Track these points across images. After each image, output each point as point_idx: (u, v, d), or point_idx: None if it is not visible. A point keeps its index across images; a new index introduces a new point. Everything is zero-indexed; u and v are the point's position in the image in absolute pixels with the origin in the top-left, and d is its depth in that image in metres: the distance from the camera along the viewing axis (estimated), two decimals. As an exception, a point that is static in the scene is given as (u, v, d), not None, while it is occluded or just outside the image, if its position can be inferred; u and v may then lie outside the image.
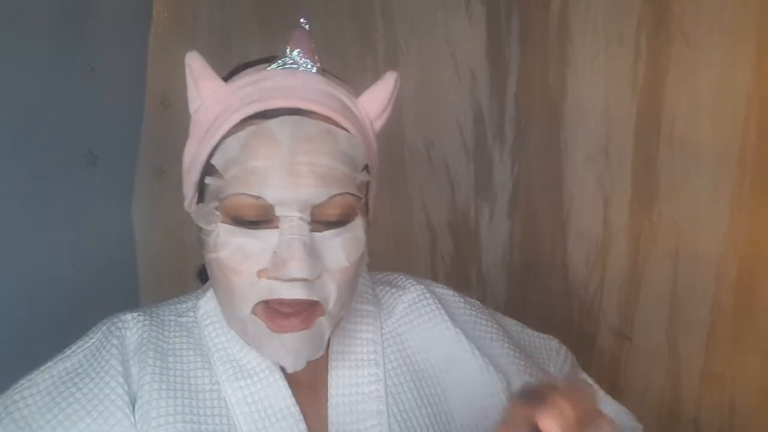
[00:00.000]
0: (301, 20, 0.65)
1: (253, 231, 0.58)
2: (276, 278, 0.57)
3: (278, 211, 0.57)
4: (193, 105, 0.64)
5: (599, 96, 1.19)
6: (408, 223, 1.50)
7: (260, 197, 0.57)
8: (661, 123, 1.06)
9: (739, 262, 0.97)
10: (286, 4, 1.39)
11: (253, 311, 0.59)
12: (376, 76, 0.67)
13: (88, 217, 1.16)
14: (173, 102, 1.30)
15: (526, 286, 1.46)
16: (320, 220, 0.59)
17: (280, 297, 0.58)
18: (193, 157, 0.63)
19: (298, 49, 0.64)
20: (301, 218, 0.57)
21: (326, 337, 0.61)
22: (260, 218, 0.58)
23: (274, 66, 0.64)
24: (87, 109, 1.16)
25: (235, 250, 0.58)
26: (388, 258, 1.50)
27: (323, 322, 0.60)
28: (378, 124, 0.67)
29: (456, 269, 1.51)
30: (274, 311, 0.59)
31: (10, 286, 1.01)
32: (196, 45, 1.34)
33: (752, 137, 0.93)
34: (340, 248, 0.59)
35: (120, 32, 1.24)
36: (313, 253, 0.57)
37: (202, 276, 0.77)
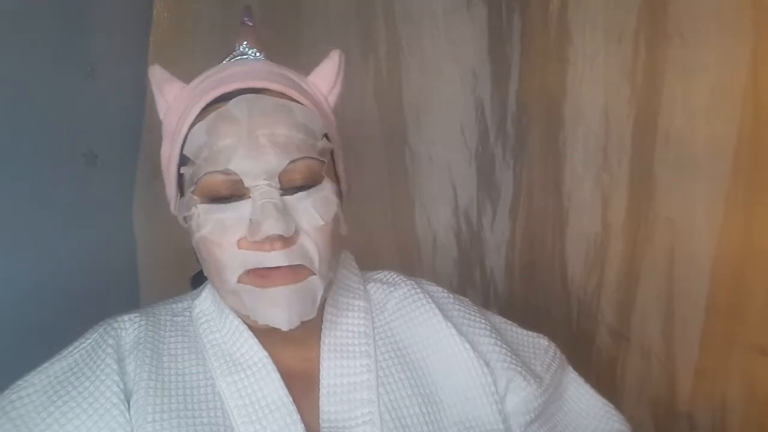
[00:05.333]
0: (245, 18, 0.72)
1: (228, 205, 0.62)
2: (255, 243, 0.61)
3: (247, 182, 0.61)
4: (162, 110, 0.71)
5: (598, 96, 1.19)
6: (410, 223, 1.50)
7: (228, 171, 0.61)
8: (658, 123, 1.06)
9: (733, 261, 0.97)
10: (286, 4, 1.39)
11: (240, 280, 0.63)
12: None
13: (88, 217, 1.17)
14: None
15: (527, 287, 1.45)
16: (289, 186, 0.63)
17: (263, 266, 0.61)
18: (169, 156, 0.68)
19: (246, 42, 0.71)
20: (269, 185, 0.61)
21: (318, 296, 0.64)
22: (233, 193, 0.62)
23: (226, 60, 0.70)
24: (87, 109, 1.16)
25: (215, 224, 0.63)
26: (391, 259, 1.50)
27: (314, 281, 0.63)
28: (331, 99, 0.72)
29: (459, 270, 1.51)
30: (261, 271, 0.62)
31: (10, 286, 1.01)
32: (196, 45, 1.35)
33: (747, 137, 0.93)
34: (312, 208, 0.63)
35: (120, 32, 1.25)
36: (285, 212, 0.61)
37: (195, 282, 0.80)
